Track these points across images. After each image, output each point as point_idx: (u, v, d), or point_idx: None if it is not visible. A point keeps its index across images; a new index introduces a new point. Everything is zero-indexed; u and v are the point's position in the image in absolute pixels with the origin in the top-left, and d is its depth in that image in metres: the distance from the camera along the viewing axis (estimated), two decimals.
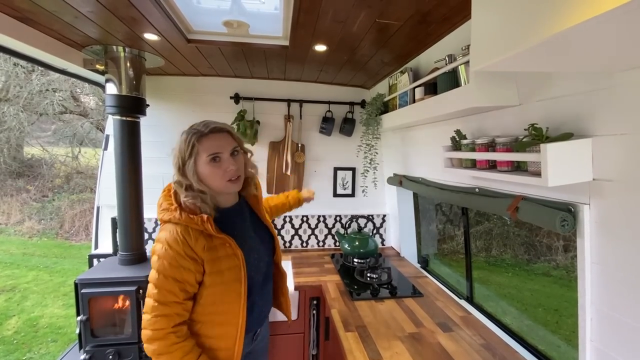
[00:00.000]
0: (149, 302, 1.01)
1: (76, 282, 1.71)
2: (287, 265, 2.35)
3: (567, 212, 0.98)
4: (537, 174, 0.94)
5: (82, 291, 1.69)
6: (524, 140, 1.00)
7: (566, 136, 0.92)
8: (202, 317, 1.08)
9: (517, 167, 1.10)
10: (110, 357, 1.70)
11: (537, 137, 0.96)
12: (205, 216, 1.04)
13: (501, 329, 1.53)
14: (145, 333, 1.00)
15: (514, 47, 0.71)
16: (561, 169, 0.89)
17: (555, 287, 3.24)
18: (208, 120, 1.12)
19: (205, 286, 1.06)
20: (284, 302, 1.44)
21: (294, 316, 1.98)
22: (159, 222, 1.13)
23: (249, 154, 1.21)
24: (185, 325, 1.05)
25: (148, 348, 1.00)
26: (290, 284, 2.03)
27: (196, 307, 1.07)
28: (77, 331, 1.69)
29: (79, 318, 1.68)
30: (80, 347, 1.72)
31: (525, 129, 1.01)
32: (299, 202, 1.78)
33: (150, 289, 1.01)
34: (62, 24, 1.48)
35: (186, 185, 1.06)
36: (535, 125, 0.97)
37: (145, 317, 1.01)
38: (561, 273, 3.21)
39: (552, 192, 1.05)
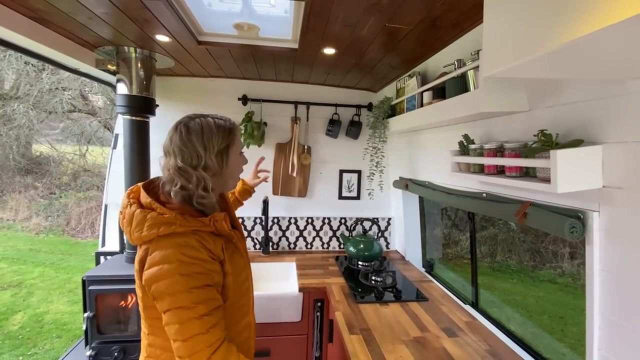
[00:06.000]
0: (191, 325, 0.83)
1: (84, 278, 1.73)
2: (291, 266, 2.36)
3: (576, 219, 0.98)
4: (546, 180, 0.94)
5: (90, 288, 1.71)
6: (534, 146, 1.00)
7: (576, 143, 0.92)
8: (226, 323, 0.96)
9: (526, 173, 1.10)
10: (116, 354, 1.72)
11: (546, 143, 0.95)
12: (222, 214, 0.96)
13: (507, 335, 1.52)
14: (200, 356, 0.83)
15: (527, 53, 0.71)
16: (571, 176, 0.89)
17: (561, 295, 3.22)
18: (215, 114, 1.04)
19: (229, 287, 0.96)
20: None
21: (297, 318, 1.99)
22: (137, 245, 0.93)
23: None
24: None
25: None
26: (294, 285, 2.04)
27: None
28: (84, 327, 1.71)
29: (85, 314, 1.70)
30: (87, 344, 1.74)
31: (534, 135, 1.01)
32: (247, 192, 1.57)
33: (185, 312, 0.83)
34: (76, 25, 1.50)
35: (215, 172, 0.96)
36: (544, 132, 0.97)
37: (198, 339, 0.83)
38: (567, 280, 3.18)
39: (561, 198, 1.05)
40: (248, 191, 1.57)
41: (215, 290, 0.91)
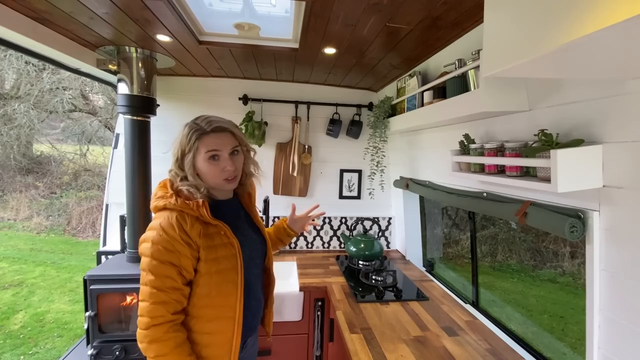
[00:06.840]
0: (145, 289, 0.99)
1: (85, 278, 1.73)
2: (292, 265, 2.37)
3: (577, 219, 0.98)
4: (547, 179, 0.94)
5: (91, 287, 1.72)
6: (534, 145, 1.00)
7: (576, 142, 0.92)
8: (196, 311, 1.05)
9: (526, 173, 1.10)
10: (117, 352, 1.72)
11: (547, 142, 0.96)
12: (200, 201, 1.05)
13: (507, 334, 1.53)
14: (142, 321, 0.97)
15: (527, 53, 0.71)
16: (571, 175, 0.89)
17: (562, 294, 3.21)
18: (212, 116, 1.11)
19: (201, 274, 1.04)
20: (267, 313, 1.32)
21: (298, 317, 1.99)
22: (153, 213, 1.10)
23: (251, 153, 1.21)
24: (182, 315, 1.04)
25: (143, 334, 0.97)
26: (295, 284, 2.04)
27: (191, 298, 1.05)
28: (85, 326, 1.72)
29: (87, 314, 1.71)
30: (88, 343, 1.74)
31: (535, 135, 1.01)
32: (284, 233, 1.46)
33: (145, 276, 0.99)
34: (77, 25, 1.51)
35: (182, 177, 1.08)
36: (545, 131, 0.97)
37: (143, 305, 0.98)
38: (568, 279, 3.18)
39: (561, 198, 1.05)
40: (286, 232, 1.46)
41: (178, 272, 1.01)
